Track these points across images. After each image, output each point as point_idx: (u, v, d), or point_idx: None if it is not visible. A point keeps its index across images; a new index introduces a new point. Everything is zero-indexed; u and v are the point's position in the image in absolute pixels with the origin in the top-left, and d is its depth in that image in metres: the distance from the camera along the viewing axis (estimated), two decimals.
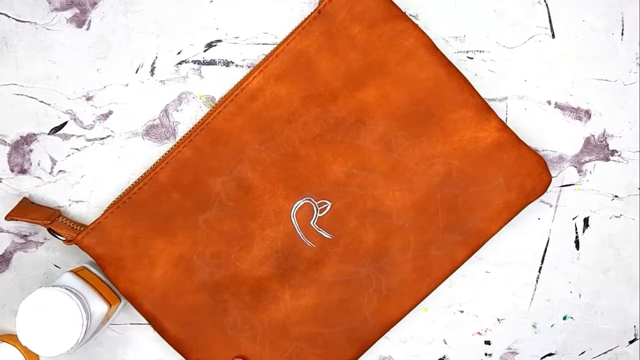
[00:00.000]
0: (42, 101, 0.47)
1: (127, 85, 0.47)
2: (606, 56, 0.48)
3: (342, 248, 0.46)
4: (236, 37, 0.47)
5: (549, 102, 0.49)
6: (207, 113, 0.45)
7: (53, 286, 0.40)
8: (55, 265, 0.48)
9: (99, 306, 0.42)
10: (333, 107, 0.45)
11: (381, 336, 0.46)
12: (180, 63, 0.47)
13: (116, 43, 0.47)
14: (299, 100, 0.45)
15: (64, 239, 0.44)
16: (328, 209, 0.45)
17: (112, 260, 0.44)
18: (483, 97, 0.47)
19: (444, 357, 0.49)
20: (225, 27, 0.47)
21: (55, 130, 0.47)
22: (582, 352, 0.50)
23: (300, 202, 0.45)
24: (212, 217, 0.45)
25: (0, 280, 0.47)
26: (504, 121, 0.47)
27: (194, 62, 0.47)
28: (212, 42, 0.47)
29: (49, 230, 0.44)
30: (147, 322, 0.46)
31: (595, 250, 0.49)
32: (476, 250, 0.46)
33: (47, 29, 0.47)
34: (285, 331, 0.45)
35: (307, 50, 0.45)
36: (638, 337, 0.50)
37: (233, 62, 0.47)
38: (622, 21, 0.48)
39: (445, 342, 0.49)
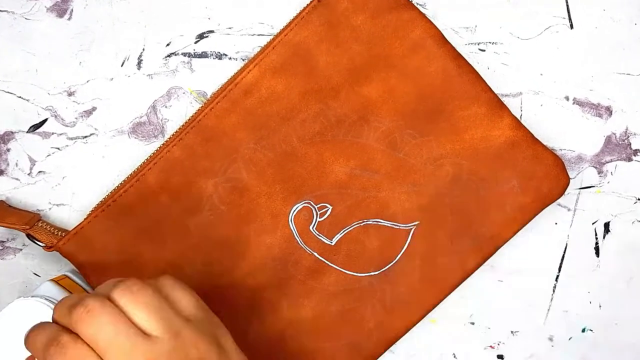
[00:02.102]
0: (20, 96, 0.47)
1: (112, 79, 0.47)
2: (628, 48, 0.48)
3: (344, 255, 0.45)
4: (229, 28, 0.47)
5: (567, 98, 0.49)
6: (198, 109, 0.45)
7: (32, 296, 0.40)
8: (35, 274, 0.48)
9: None
10: (334, 103, 0.45)
11: (386, 350, 0.46)
12: (169, 55, 0.47)
13: (100, 34, 0.47)
14: (297, 95, 0.45)
15: (43, 245, 0.44)
16: (328, 212, 0.46)
17: (96, 268, 0.44)
18: (496, 92, 0.46)
19: None
20: (218, 16, 0.47)
21: (35, 128, 0.47)
22: None
23: (299, 206, 0.45)
24: (204, 221, 0.45)
25: None
26: (519, 118, 0.47)
27: (184, 54, 0.47)
28: (204, 32, 0.47)
29: (28, 235, 0.44)
30: None
31: (617, 257, 0.49)
32: (488, 258, 0.46)
33: (26, 18, 0.47)
34: (282, 345, 0.45)
35: (306, 41, 0.45)
36: None
37: (226, 55, 0.47)
38: None
39: (454, 356, 0.49)
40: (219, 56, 0.47)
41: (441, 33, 0.46)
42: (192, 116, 0.45)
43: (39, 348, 0.31)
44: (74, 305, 0.31)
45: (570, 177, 0.48)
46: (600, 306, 0.49)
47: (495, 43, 0.48)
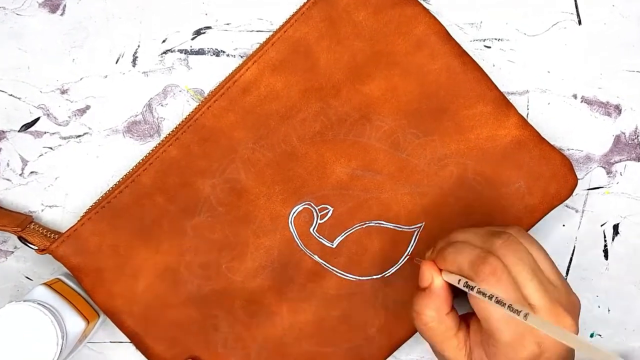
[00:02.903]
0: (11, 94, 0.47)
1: (106, 77, 0.47)
2: (638, 45, 0.48)
3: (345, 258, 0.45)
4: (227, 24, 0.47)
5: (575, 96, 0.49)
6: (195, 108, 0.45)
7: (24, 301, 0.40)
8: (27, 277, 0.48)
9: (75, 323, 0.42)
10: (335, 101, 0.45)
11: (388, 356, 0.46)
12: (165, 52, 0.47)
13: (94, 30, 0.47)
14: (297, 94, 0.45)
15: (36, 248, 0.44)
16: (329, 214, 0.46)
17: (90, 272, 0.44)
18: (502, 90, 0.46)
19: None
20: (216, 12, 0.47)
21: (27, 127, 0.47)
22: None
23: (299, 207, 0.45)
24: (201, 223, 0.45)
25: None
26: (525, 117, 0.47)
27: (181, 51, 0.47)
28: (201, 29, 0.47)
29: (20, 238, 0.44)
30: (128, 340, 0.46)
31: (626, 260, 0.49)
32: None
33: (17, 14, 0.47)
34: (281, 350, 0.45)
35: (307, 38, 0.45)
36: None
37: (224, 52, 0.47)
38: None
39: None
40: (217, 53, 0.47)
41: (445, 29, 0.46)
42: (189, 115, 0.45)
43: (461, 266, 0.36)
44: (495, 233, 0.37)
45: (579, 177, 0.48)
46: (609, 310, 0.49)
47: (501, 40, 0.48)
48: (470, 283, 0.35)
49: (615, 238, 0.49)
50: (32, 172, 0.47)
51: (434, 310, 0.38)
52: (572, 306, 0.37)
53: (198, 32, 0.47)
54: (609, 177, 0.49)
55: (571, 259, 0.49)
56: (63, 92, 0.47)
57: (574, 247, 0.49)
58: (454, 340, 0.38)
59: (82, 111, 0.47)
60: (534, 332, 0.35)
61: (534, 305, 0.35)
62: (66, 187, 0.47)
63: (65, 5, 0.47)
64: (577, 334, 0.35)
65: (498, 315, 0.35)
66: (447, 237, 0.39)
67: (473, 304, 0.36)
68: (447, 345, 0.38)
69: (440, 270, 0.38)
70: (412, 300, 0.39)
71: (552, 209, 0.46)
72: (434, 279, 0.38)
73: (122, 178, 0.45)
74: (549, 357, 0.35)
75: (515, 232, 0.38)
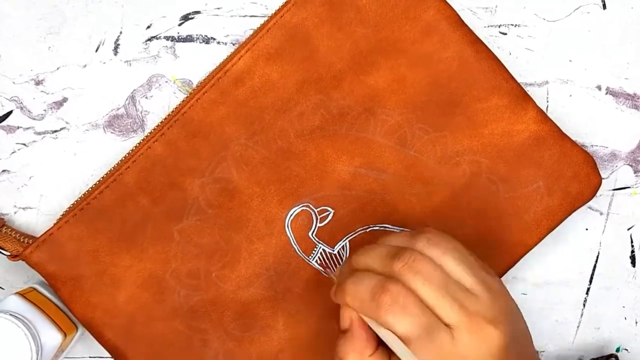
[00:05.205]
0: None
1: (85, 66, 0.47)
2: None
3: None
4: (218, 8, 0.47)
5: (599, 88, 0.49)
6: (183, 101, 0.45)
7: None
8: None
9: (51, 336, 0.42)
10: (336, 93, 0.45)
11: None
12: (149, 39, 0.47)
13: (71, 15, 0.47)
14: (294, 85, 0.45)
15: (8, 253, 0.44)
16: (330, 217, 0.45)
17: (67, 280, 0.44)
18: (519, 81, 0.46)
19: None
20: None
21: None
22: None
23: (296, 209, 0.45)
24: (189, 227, 0.45)
25: None
26: (544, 111, 0.47)
27: (167, 38, 0.47)
28: (189, 13, 0.47)
29: None
30: (109, 355, 0.46)
31: None
32: (510, 268, 0.46)
33: None
34: None
35: (305, 24, 0.45)
36: None
37: (214, 39, 0.47)
38: None
39: None
40: (206, 40, 0.47)
41: (457, 14, 0.46)
42: (176, 108, 0.45)
43: (362, 297, 0.35)
44: (395, 254, 0.36)
45: (603, 176, 0.48)
46: (636, 322, 0.50)
47: (519, 25, 0.48)
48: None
49: None
50: (3, 171, 0.47)
51: (357, 353, 0.37)
52: (500, 314, 0.36)
53: (186, 17, 0.47)
54: (637, 176, 0.49)
55: (595, 267, 0.49)
56: (38, 83, 0.47)
57: (598, 253, 0.49)
58: None
59: (59, 104, 0.47)
60: (458, 354, 0.34)
61: (451, 325, 0.34)
62: (41, 188, 0.47)
63: None
64: (506, 342, 0.35)
65: (402, 350, 0.35)
66: (348, 261, 0.38)
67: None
68: None
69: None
70: (335, 345, 0.39)
71: (574, 211, 0.46)
72: (353, 320, 0.38)
73: (103, 177, 0.45)
74: None
75: (422, 243, 0.36)
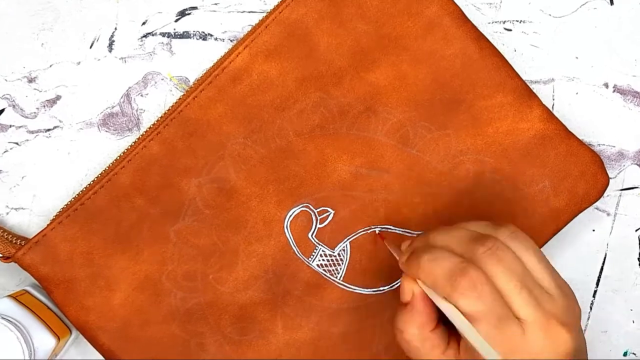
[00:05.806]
0: None
1: (79, 63, 0.47)
2: None
3: (349, 267, 0.45)
4: (215, 4, 0.47)
5: (606, 85, 0.49)
6: (179, 99, 0.45)
7: None
8: None
9: (44, 339, 0.42)
10: (337, 91, 0.45)
11: None
12: (145, 36, 0.47)
13: (65, 10, 0.47)
14: (294, 82, 0.45)
15: (0, 255, 0.44)
16: (330, 218, 0.45)
17: (61, 283, 0.44)
18: (524, 79, 0.46)
19: None
20: None
21: None
22: None
23: (296, 210, 0.45)
24: (186, 228, 0.45)
25: None
26: (550, 109, 0.47)
27: (163, 34, 0.47)
28: (186, 9, 0.47)
29: None
30: (103, 359, 0.46)
31: None
32: None
33: None
34: None
35: (305, 20, 0.45)
36: None
37: (211, 35, 0.47)
38: None
39: None
40: (203, 36, 0.47)
41: (461, 10, 0.46)
42: (172, 106, 0.45)
43: (438, 276, 0.35)
44: (479, 238, 0.36)
45: (610, 176, 0.48)
46: None
47: (524, 21, 0.48)
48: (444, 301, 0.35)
49: None
50: None
51: (416, 328, 0.37)
52: (573, 320, 0.36)
53: (182, 13, 0.47)
54: None
55: (602, 269, 0.49)
56: (31, 80, 0.47)
57: (605, 254, 0.49)
58: (442, 359, 0.38)
59: (52, 102, 0.47)
60: (526, 349, 0.34)
61: (524, 320, 0.34)
62: (34, 188, 0.47)
63: None
64: (574, 348, 0.35)
65: (464, 326, 0.35)
66: (424, 236, 0.38)
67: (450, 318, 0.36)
68: None
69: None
70: (394, 316, 0.39)
71: (581, 211, 0.46)
72: (415, 293, 0.37)
73: (97, 177, 0.45)
74: None
75: (505, 234, 0.37)
